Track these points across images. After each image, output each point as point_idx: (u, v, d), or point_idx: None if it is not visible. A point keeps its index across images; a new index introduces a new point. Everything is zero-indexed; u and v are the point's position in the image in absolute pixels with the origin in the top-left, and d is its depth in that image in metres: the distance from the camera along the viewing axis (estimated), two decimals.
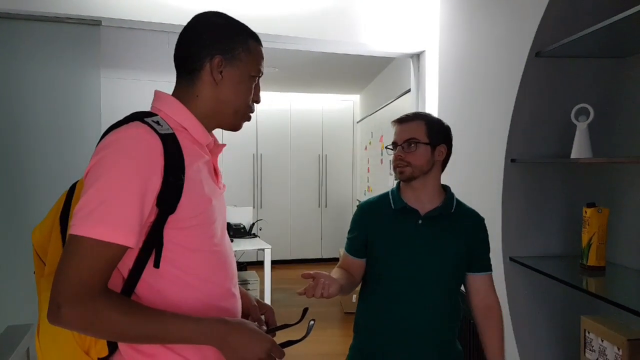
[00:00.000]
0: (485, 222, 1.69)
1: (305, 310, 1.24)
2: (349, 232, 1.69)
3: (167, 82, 3.03)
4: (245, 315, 1.28)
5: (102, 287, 0.95)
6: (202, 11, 1.18)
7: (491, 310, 1.64)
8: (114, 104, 2.74)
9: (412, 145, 1.56)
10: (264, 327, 1.24)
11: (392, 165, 1.63)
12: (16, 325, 1.66)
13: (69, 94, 2.65)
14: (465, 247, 1.60)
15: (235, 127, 1.19)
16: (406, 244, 1.56)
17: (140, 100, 2.78)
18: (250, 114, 1.19)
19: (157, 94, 1.15)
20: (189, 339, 1.00)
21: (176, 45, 1.15)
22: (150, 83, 2.82)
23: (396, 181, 1.70)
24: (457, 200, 1.65)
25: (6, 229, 2.56)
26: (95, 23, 2.67)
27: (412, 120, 1.60)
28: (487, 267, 1.66)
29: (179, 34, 1.17)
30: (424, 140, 1.57)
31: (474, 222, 1.65)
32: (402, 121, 1.62)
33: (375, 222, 1.63)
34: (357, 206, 1.73)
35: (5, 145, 2.56)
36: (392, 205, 1.61)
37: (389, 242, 1.58)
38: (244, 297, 1.31)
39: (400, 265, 1.56)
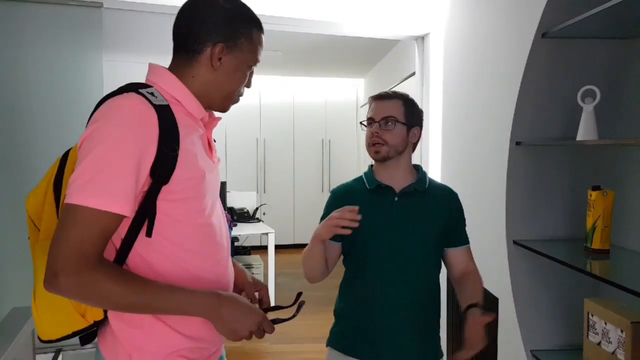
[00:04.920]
0: (490, 204, 1.69)
1: (299, 294, 1.26)
2: (323, 217, 1.62)
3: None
4: (239, 290, 1.31)
5: (98, 256, 0.97)
6: None
7: (469, 273, 1.63)
8: (116, 86, 2.71)
9: (390, 123, 1.56)
10: (256, 305, 1.25)
11: (366, 143, 1.60)
12: (22, 307, 1.68)
13: (71, 76, 2.64)
14: (443, 222, 1.60)
15: (223, 109, 1.22)
16: (384, 222, 1.56)
17: None
18: (240, 97, 1.22)
19: (152, 67, 1.15)
20: (182, 309, 1.03)
21: (177, 18, 1.14)
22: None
23: (369, 165, 1.69)
24: (430, 178, 1.66)
25: (9, 213, 2.57)
26: (96, 5, 2.64)
27: (390, 99, 1.59)
28: (464, 240, 1.66)
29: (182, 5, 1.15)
30: (402, 119, 1.57)
31: (448, 196, 1.65)
32: (380, 98, 1.60)
33: (350, 205, 1.60)
34: (330, 192, 1.70)
35: (7, 127, 2.56)
36: (367, 185, 1.61)
37: (366, 222, 1.56)
38: (240, 273, 1.34)
39: (379, 243, 1.55)
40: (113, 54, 2.77)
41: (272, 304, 1.32)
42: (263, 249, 4.77)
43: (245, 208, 5.11)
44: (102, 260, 0.98)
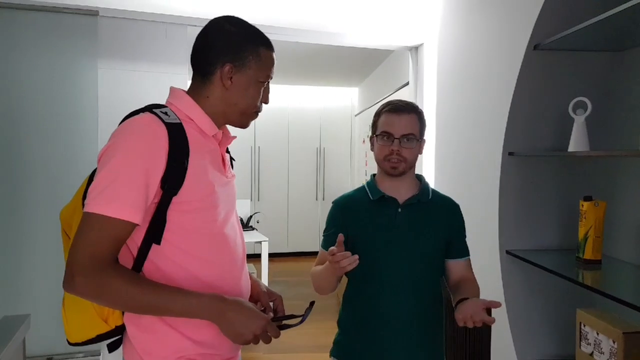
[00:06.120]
0: (483, 215, 1.69)
1: (312, 303, 1.28)
2: (326, 229, 1.64)
3: (165, 73, 3.04)
4: (254, 301, 1.36)
5: (111, 260, 1.06)
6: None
7: (468, 279, 1.61)
8: (111, 94, 2.73)
9: (410, 140, 1.53)
10: (271, 314, 1.30)
11: (380, 156, 1.57)
12: (12, 315, 1.66)
13: (66, 84, 2.64)
14: (445, 234, 1.59)
15: (242, 125, 1.30)
16: (387, 233, 1.55)
17: (137, 91, 2.80)
18: (258, 113, 1.29)
19: (171, 90, 1.26)
20: (188, 312, 1.09)
21: (193, 46, 1.24)
22: (147, 74, 2.81)
23: (371, 174, 1.68)
24: (432, 189, 1.65)
25: (2, 220, 2.56)
26: (92, 13, 2.65)
27: (408, 113, 1.55)
28: (465, 252, 1.64)
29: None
30: (418, 135, 1.55)
31: (450, 208, 1.65)
32: (399, 111, 1.55)
33: (354, 216, 1.59)
34: (332, 202, 1.67)
35: (2, 135, 2.55)
36: (370, 196, 1.59)
37: (370, 233, 1.56)
38: (254, 283, 1.40)
39: (382, 254, 1.54)
40: (108, 61, 2.77)
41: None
42: (256, 257, 4.77)
43: (239, 216, 5.10)
44: (114, 263, 1.07)
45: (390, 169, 1.55)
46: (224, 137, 1.29)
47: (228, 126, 1.33)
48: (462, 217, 1.66)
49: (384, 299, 1.55)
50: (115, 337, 1.22)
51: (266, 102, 1.30)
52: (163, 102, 1.24)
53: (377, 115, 1.61)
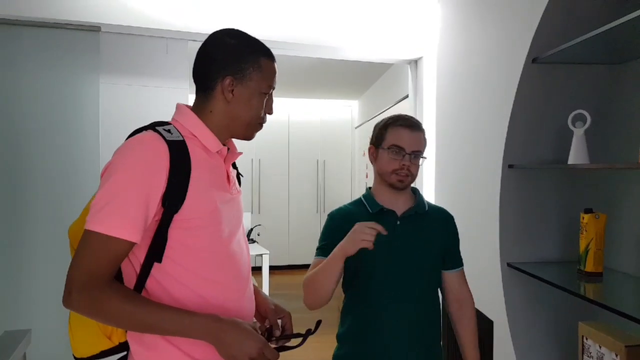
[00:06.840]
0: (483, 227, 1.70)
1: (319, 322, 1.27)
2: (321, 240, 1.62)
3: (166, 87, 3.06)
4: (262, 318, 1.35)
5: (108, 278, 1.06)
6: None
7: (464, 304, 1.68)
8: (112, 108, 2.75)
9: (419, 157, 1.57)
10: (278, 332, 1.28)
11: (387, 169, 1.57)
12: (13, 330, 1.66)
13: (68, 99, 2.66)
14: (442, 245, 1.63)
15: (247, 137, 1.28)
16: (387, 246, 1.53)
17: (138, 106, 2.81)
18: (262, 124, 1.28)
19: (177, 106, 1.25)
20: (182, 332, 1.08)
21: (194, 62, 1.24)
22: (148, 88, 2.83)
23: (367, 187, 1.69)
24: (427, 201, 1.68)
25: (4, 234, 2.56)
26: (94, 29, 2.68)
27: (419, 130, 1.59)
28: (459, 263, 1.69)
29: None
30: (423, 153, 1.60)
31: (446, 219, 1.68)
32: (412, 127, 1.57)
33: (352, 228, 1.56)
34: (329, 215, 1.67)
35: (4, 150, 2.57)
36: (369, 209, 1.60)
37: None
38: (263, 301, 1.38)
39: (382, 267, 1.55)
40: (110, 76, 2.79)
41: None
42: (257, 270, 4.76)
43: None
44: (110, 281, 1.06)
45: (397, 182, 1.57)
46: (229, 153, 1.27)
47: (235, 141, 1.32)
48: (456, 228, 1.70)
49: (383, 311, 1.55)
50: (120, 353, 1.21)
51: (270, 113, 1.28)
52: (164, 117, 1.24)
53: (385, 127, 1.60)
